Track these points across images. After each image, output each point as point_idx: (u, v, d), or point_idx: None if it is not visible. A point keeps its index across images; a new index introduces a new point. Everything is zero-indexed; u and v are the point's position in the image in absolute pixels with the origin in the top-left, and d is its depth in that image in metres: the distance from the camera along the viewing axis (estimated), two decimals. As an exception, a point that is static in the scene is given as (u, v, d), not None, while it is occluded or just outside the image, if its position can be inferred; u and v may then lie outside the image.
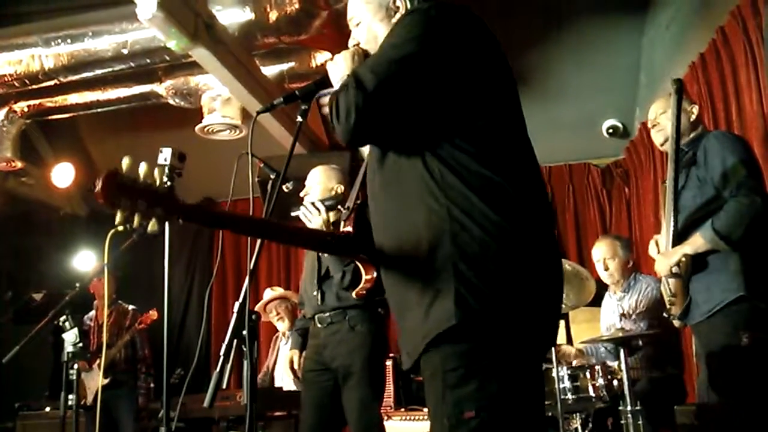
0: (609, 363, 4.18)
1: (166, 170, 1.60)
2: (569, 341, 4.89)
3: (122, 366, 5.88)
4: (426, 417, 4.37)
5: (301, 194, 3.73)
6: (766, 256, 2.92)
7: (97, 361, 5.58)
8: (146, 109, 6.04)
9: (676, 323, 3.16)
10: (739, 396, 2.88)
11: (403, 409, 5.25)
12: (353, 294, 2.04)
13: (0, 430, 6.19)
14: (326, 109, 2.17)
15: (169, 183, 1.60)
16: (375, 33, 1.92)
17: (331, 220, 3.26)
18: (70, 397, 4.23)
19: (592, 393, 4.02)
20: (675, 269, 3.04)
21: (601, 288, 4.58)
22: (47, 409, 5.90)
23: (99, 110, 6.02)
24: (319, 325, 3.62)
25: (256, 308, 5.33)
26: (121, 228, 1.47)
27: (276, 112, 5.31)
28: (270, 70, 5.50)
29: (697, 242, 2.97)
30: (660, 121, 3.30)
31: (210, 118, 5.68)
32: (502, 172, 1.68)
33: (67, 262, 7.08)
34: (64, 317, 4.34)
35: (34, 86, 5.36)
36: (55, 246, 7.56)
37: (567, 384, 4.03)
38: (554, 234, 1.86)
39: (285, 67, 5.53)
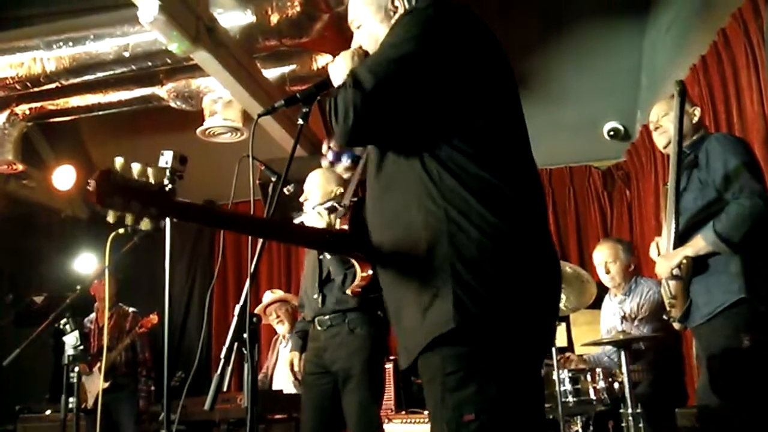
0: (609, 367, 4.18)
1: (167, 173, 1.60)
2: (570, 343, 4.89)
3: (123, 369, 5.87)
4: (426, 420, 4.37)
5: (301, 199, 3.73)
6: (767, 258, 2.92)
7: (98, 364, 5.58)
8: (147, 111, 6.04)
9: (676, 326, 3.15)
10: (740, 398, 2.87)
11: (403, 412, 5.24)
12: (348, 291, 2.03)
13: (0, 432, 6.19)
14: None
15: (170, 186, 1.60)
16: (375, 34, 1.92)
17: (332, 221, 3.26)
18: (71, 400, 4.22)
19: (593, 396, 4.02)
20: (676, 271, 3.03)
21: (602, 290, 4.58)
22: (48, 412, 5.89)
23: (100, 113, 6.02)
24: (319, 328, 3.62)
25: (256, 311, 5.33)
26: (122, 231, 1.47)
27: (277, 115, 5.31)
28: (271, 73, 5.51)
29: (698, 244, 2.97)
30: (662, 123, 3.30)
31: (211, 120, 5.69)
32: (501, 173, 1.68)
33: (68, 264, 7.09)
34: (64, 320, 4.33)
35: (36, 89, 5.36)
36: (56, 248, 7.56)
37: (568, 387, 4.02)
38: (551, 236, 1.85)
39: (286, 69, 5.53)
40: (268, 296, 5.65)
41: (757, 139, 3.83)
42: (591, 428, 4.23)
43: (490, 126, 1.72)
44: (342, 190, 3.69)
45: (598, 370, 4.08)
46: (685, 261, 3.00)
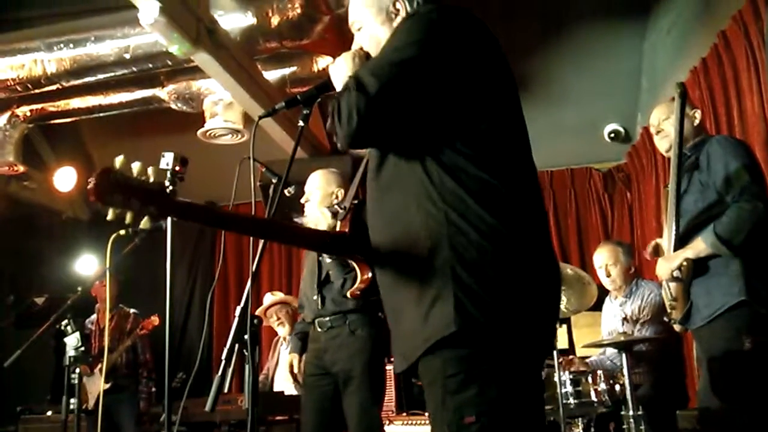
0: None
1: (168, 175, 1.60)
2: (571, 346, 4.89)
3: (123, 370, 5.88)
4: (427, 422, 4.37)
5: (302, 200, 3.73)
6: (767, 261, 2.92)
7: (99, 366, 5.58)
8: (148, 113, 6.05)
9: (677, 328, 3.15)
10: (741, 401, 2.87)
11: (404, 414, 5.24)
12: (348, 294, 2.04)
13: (1, 434, 6.20)
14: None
15: (171, 187, 1.60)
16: (377, 37, 1.92)
17: (334, 224, 3.26)
18: (72, 401, 4.23)
19: (594, 398, 4.01)
20: (676, 273, 3.03)
21: (603, 293, 4.58)
22: (49, 413, 5.89)
23: (101, 114, 6.03)
24: (319, 330, 3.62)
25: (257, 313, 5.33)
26: (123, 232, 1.47)
27: (278, 117, 5.32)
28: (272, 75, 5.51)
29: (698, 246, 2.97)
30: (664, 127, 3.29)
31: (212, 122, 5.69)
32: (501, 176, 1.69)
33: (69, 266, 7.09)
34: (65, 321, 4.34)
35: (37, 91, 5.36)
36: (57, 250, 7.57)
37: (569, 389, 4.02)
38: (551, 238, 1.85)
39: (287, 71, 5.54)
40: (268, 298, 5.65)
41: (757, 141, 3.83)
42: (592, 430, 4.22)
43: (491, 129, 1.73)
44: (342, 191, 3.69)
45: (599, 372, 4.08)
46: (685, 263, 3.00)
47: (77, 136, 7.27)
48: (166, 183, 1.58)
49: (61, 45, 4.95)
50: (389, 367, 4.28)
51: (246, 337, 1.89)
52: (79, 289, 5.04)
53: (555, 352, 3.89)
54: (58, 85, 5.25)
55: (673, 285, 3.08)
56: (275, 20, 4.72)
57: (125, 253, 4.47)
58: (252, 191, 2.21)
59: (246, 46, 4.93)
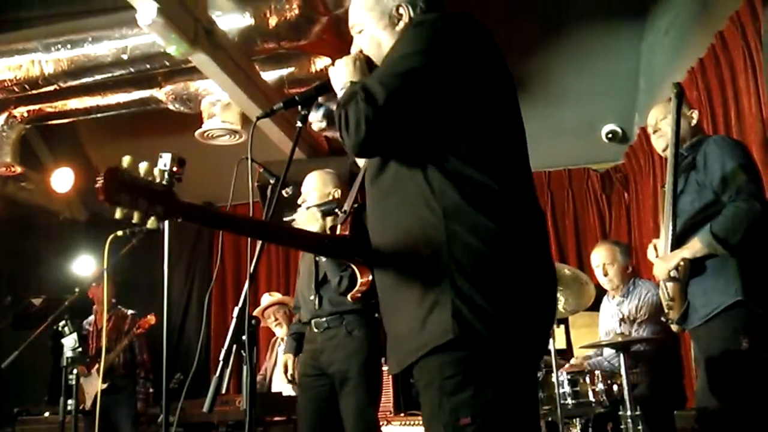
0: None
1: (166, 175, 1.60)
2: (569, 346, 4.89)
3: (121, 371, 5.87)
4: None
5: (299, 201, 3.73)
6: (764, 260, 2.92)
7: (96, 366, 5.58)
8: (146, 114, 6.05)
9: (674, 328, 3.15)
10: (738, 400, 2.87)
11: (402, 414, 5.25)
12: (348, 297, 2.04)
13: (-1, 435, 6.19)
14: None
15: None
16: (378, 41, 1.92)
17: (329, 225, 3.26)
18: (69, 401, 4.22)
19: (591, 398, 4.02)
20: (673, 273, 3.03)
21: (601, 293, 4.59)
22: (46, 414, 5.89)
23: (99, 115, 6.02)
24: (315, 330, 3.61)
25: (254, 313, 5.33)
26: (120, 233, 1.47)
27: (275, 117, 5.32)
28: (270, 76, 5.51)
29: (695, 246, 2.97)
30: (661, 127, 3.29)
31: (210, 123, 5.68)
32: (501, 181, 1.70)
33: (66, 266, 7.09)
34: (63, 322, 4.34)
35: (34, 91, 5.36)
36: (54, 251, 7.56)
37: (567, 389, 4.03)
38: (549, 243, 1.87)
39: (285, 72, 5.54)
40: (266, 299, 5.65)
41: (755, 141, 3.84)
42: (590, 430, 4.23)
43: (492, 135, 1.74)
44: (339, 191, 3.69)
45: (597, 372, 4.08)
46: (682, 263, 3.00)
47: (75, 137, 7.26)
48: (165, 183, 1.59)
49: (59, 46, 4.94)
50: (386, 368, 4.28)
51: (244, 337, 1.89)
52: (77, 290, 5.04)
53: (553, 353, 3.89)
54: (55, 86, 5.24)
55: (670, 285, 3.08)
56: (273, 21, 4.72)
57: (123, 254, 4.47)
58: (250, 192, 2.21)
59: (244, 46, 4.93)
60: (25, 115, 6.07)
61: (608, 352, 4.48)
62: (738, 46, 4.03)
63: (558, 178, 7.04)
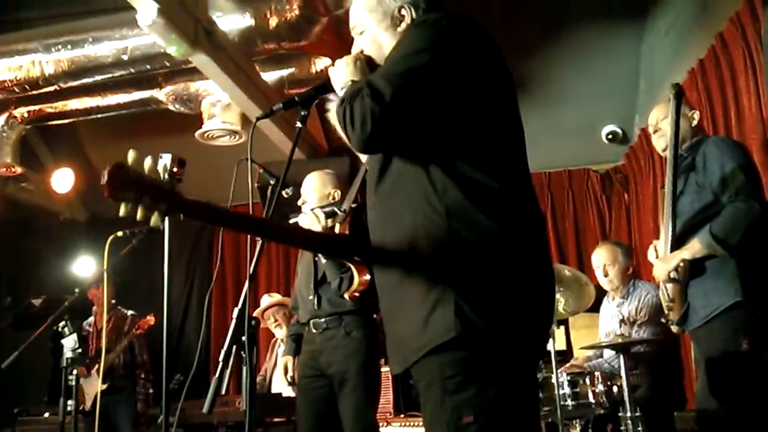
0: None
1: (167, 176, 1.60)
2: (569, 347, 4.89)
3: (121, 371, 5.87)
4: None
5: (299, 202, 3.73)
6: (764, 261, 2.92)
7: (96, 367, 5.58)
8: (146, 114, 6.05)
9: (674, 329, 3.15)
10: (738, 402, 2.87)
11: (402, 415, 5.24)
12: (346, 295, 2.04)
13: (-1, 435, 6.19)
14: (330, 115, 2.17)
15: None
16: (380, 41, 1.93)
17: (329, 225, 3.26)
18: (69, 402, 4.22)
19: (591, 399, 4.01)
20: (673, 274, 3.03)
21: (601, 294, 4.58)
22: (46, 414, 5.88)
23: (99, 116, 6.02)
24: (314, 331, 3.61)
25: (254, 314, 5.33)
26: (120, 234, 1.47)
27: (275, 118, 5.32)
28: (270, 76, 5.51)
29: (694, 247, 2.97)
30: (661, 127, 3.29)
31: (210, 123, 5.68)
32: (502, 181, 1.71)
33: (66, 267, 7.08)
34: (63, 323, 4.34)
35: (35, 92, 5.36)
36: (54, 251, 7.56)
37: (567, 390, 4.02)
38: (548, 242, 1.88)
39: (285, 72, 5.54)
40: (266, 300, 5.64)
41: (755, 142, 3.83)
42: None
43: (494, 135, 1.76)
44: (339, 192, 3.68)
45: (597, 373, 4.08)
46: (682, 264, 3.00)
47: (75, 137, 7.26)
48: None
49: (59, 46, 4.95)
50: (385, 368, 4.27)
51: (244, 338, 1.89)
52: (77, 290, 5.04)
53: (553, 354, 3.89)
54: (55, 87, 5.24)
55: (670, 286, 3.08)
56: (273, 21, 4.73)
57: (123, 254, 4.47)
58: (250, 192, 2.21)
59: (244, 47, 4.93)
60: (26, 115, 6.07)
61: (608, 353, 4.47)
62: (738, 47, 4.03)
63: (558, 178, 7.04)
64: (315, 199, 3.67)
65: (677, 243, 3.06)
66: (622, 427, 3.73)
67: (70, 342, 4.23)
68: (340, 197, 3.64)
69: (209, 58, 4.53)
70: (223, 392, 1.92)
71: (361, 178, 2.15)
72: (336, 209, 3.47)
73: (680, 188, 3.11)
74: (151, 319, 5.80)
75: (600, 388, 4.01)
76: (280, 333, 5.52)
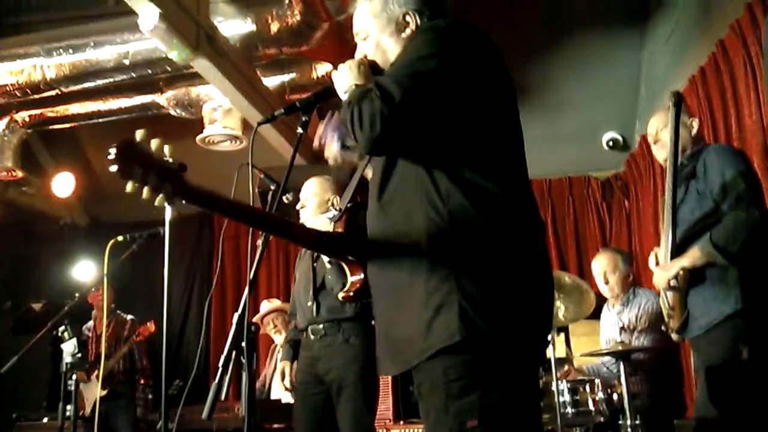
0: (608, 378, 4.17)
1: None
2: (569, 354, 4.87)
3: (120, 377, 5.87)
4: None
5: (298, 207, 3.73)
6: (764, 269, 2.92)
7: (96, 372, 5.57)
8: (147, 119, 6.04)
9: (675, 337, 3.14)
10: (738, 410, 2.86)
11: (401, 422, 5.23)
12: (340, 296, 2.03)
13: (-3, 440, 6.18)
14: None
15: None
16: (384, 47, 1.94)
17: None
18: (69, 407, 4.21)
19: (591, 407, 4.01)
20: (673, 282, 3.03)
21: (601, 301, 4.57)
22: (45, 419, 5.86)
23: (100, 120, 6.02)
24: (312, 337, 3.60)
25: (254, 320, 5.32)
26: (120, 238, 1.47)
27: (277, 123, 5.32)
28: (271, 81, 5.52)
29: (694, 255, 2.96)
30: (661, 137, 3.28)
31: (211, 128, 5.69)
32: (504, 187, 1.73)
33: (66, 271, 7.09)
34: (63, 327, 4.33)
35: (36, 96, 5.36)
36: (54, 256, 7.56)
37: (567, 398, 4.02)
38: (548, 248, 1.90)
39: (286, 78, 5.55)
40: (265, 306, 5.63)
41: (756, 150, 3.83)
42: (589, 439, 4.22)
43: (496, 143, 1.78)
44: (338, 198, 3.68)
45: (597, 381, 4.07)
46: (681, 272, 3.00)
47: (76, 141, 7.26)
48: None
49: (61, 50, 4.95)
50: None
51: (243, 344, 1.89)
52: (77, 295, 5.03)
53: (553, 361, 3.88)
54: (57, 91, 5.24)
55: (670, 294, 3.07)
56: (275, 27, 4.73)
57: (123, 259, 4.47)
58: (250, 198, 2.21)
59: (245, 52, 4.93)
60: (27, 119, 6.07)
61: (606, 358, 4.46)
62: (738, 54, 4.03)
63: (558, 185, 7.04)
64: (314, 205, 3.67)
65: (678, 251, 3.05)
66: (622, 435, 3.73)
67: (69, 347, 4.23)
68: (339, 203, 3.65)
69: (210, 63, 4.54)
70: (223, 398, 1.91)
71: (358, 178, 2.15)
72: (335, 211, 3.48)
73: (680, 196, 3.11)
74: (151, 326, 5.78)
75: (600, 395, 4.00)
76: (280, 339, 5.51)
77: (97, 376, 5.40)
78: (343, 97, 1.86)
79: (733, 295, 2.87)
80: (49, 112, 5.97)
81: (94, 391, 5.51)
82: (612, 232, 6.81)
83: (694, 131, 3.22)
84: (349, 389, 3.43)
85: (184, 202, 1.60)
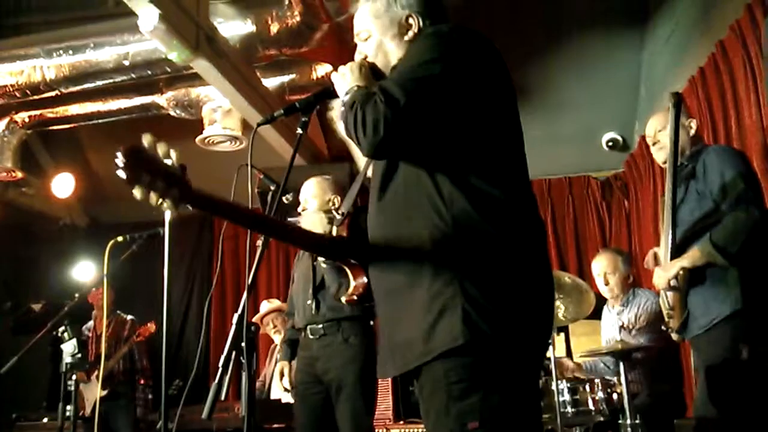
0: (608, 377, 4.17)
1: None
2: (569, 354, 4.87)
3: (121, 377, 5.87)
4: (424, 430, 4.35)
5: (299, 209, 3.72)
6: (764, 269, 2.92)
7: (96, 372, 5.57)
8: (147, 120, 6.05)
9: (675, 337, 3.15)
10: (738, 410, 2.87)
11: (401, 422, 5.23)
12: (343, 299, 2.03)
13: (-3, 440, 6.18)
14: (334, 114, 2.19)
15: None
16: (385, 48, 1.94)
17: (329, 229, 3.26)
18: (69, 408, 4.21)
19: (591, 406, 4.01)
20: (673, 282, 3.03)
21: (600, 301, 4.57)
22: (45, 420, 5.87)
23: (100, 121, 6.03)
24: (311, 337, 3.60)
25: (253, 320, 5.32)
26: (120, 239, 1.47)
27: (276, 124, 5.31)
28: (271, 82, 5.52)
29: (694, 255, 2.97)
30: (660, 138, 3.29)
31: (210, 129, 5.69)
32: (506, 190, 1.74)
33: (66, 272, 7.09)
34: (62, 327, 4.33)
35: (36, 97, 5.36)
36: (54, 256, 7.56)
37: (566, 397, 4.02)
38: (548, 249, 1.90)
39: (286, 79, 5.55)
40: (265, 306, 5.64)
41: (755, 150, 3.83)
42: (589, 439, 4.22)
43: (497, 147, 1.79)
44: (338, 198, 3.68)
45: (596, 380, 4.07)
46: (681, 272, 3.00)
47: (76, 142, 7.26)
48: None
49: (60, 51, 4.95)
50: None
51: (243, 344, 1.89)
52: (77, 295, 5.03)
53: (553, 361, 3.88)
54: (56, 92, 5.24)
55: (670, 294, 3.08)
56: (275, 28, 4.73)
57: (123, 259, 4.47)
58: (250, 198, 2.21)
59: (245, 53, 4.93)
60: (27, 120, 6.07)
61: (607, 358, 4.47)
62: (738, 54, 4.03)
63: (558, 185, 7.04)
64: (315, 205, 3.67)
65: (677, 251, 3.06)
66: (622, 435, 3.73)
67: (69, 347, 4.22)
68: (339, 203, 3.64)
69: (210, 64, 4.54)
70: (223, 398, 1.92)
71: (360, 182, 2.15)
72: (336, 213, 3.47)
73: (680, 196, 3.11)
74: (151, 327, 5.79)
75: (600, 395, 4.00)
76: (280, 339, 5.51)
77: (97, 377, 5.41)
78: (344, 98, 1.86)
79: (733, 295, 2.87)
80: (49, 112, 5.97)
81: (94, 392, 5.51)
82: (612, 232, 6.81)
83: (692, 132, 3.23)
84: (348, 389, 3.44)
85: (189, 207, 1.61)
